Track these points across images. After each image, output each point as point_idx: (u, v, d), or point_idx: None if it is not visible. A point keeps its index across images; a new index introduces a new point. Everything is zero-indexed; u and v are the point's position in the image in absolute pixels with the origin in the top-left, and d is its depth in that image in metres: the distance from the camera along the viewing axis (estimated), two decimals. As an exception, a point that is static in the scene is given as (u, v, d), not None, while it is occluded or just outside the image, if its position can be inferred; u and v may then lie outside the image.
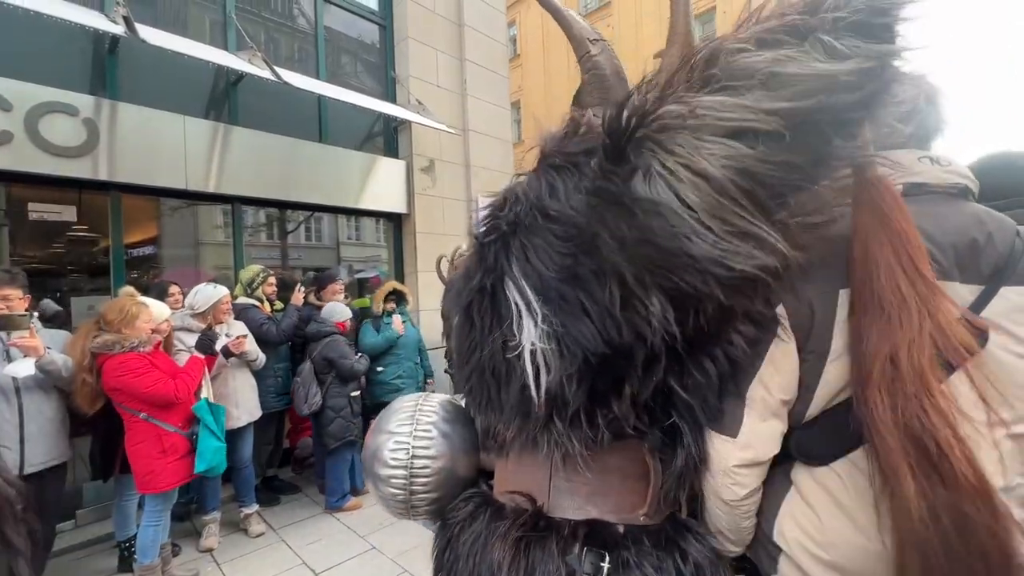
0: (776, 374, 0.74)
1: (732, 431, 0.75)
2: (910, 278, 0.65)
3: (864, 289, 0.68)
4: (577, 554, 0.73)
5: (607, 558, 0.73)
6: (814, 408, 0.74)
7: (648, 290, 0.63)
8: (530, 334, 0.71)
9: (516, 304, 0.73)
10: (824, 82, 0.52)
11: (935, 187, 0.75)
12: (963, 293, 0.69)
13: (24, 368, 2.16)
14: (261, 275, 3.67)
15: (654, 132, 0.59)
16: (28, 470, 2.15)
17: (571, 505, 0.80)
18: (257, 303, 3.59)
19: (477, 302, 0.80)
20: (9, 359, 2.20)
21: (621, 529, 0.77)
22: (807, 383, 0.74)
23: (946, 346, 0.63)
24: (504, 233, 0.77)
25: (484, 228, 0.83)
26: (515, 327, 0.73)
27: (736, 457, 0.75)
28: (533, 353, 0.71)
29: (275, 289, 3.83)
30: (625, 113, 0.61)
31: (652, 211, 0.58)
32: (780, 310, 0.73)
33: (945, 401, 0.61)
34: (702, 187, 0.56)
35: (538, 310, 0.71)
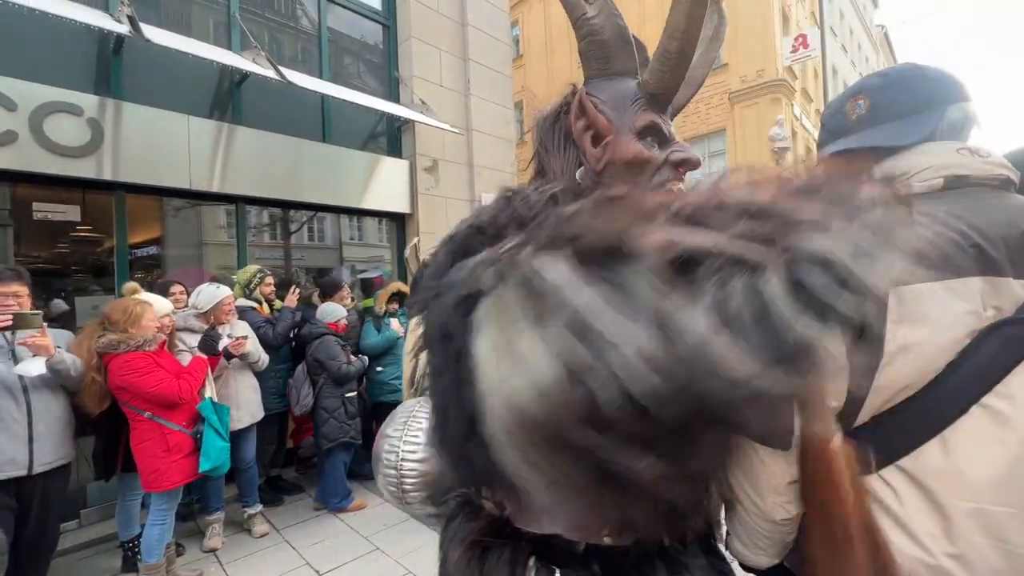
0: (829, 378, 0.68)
1: (783, 443, 0.67)
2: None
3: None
4: (529, 566, 0.70)
5: (557, 573, 0.69)
6: (864, 415, 0.70)
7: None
8: None
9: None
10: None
11: (978, 179, 0.72)
12: (1017, 290, 0.66)
13: (35, 367, 2.15)
14: (258, 276, 3.64)
15: None
16: (37, 469, 2.14)
17: (537, 516, 0.75)
18: (256, 304, 3.57)
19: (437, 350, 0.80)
20: (14, 358, 2.19)
21: (581, 547, 0.72)
22: (857, 388, 0.68)
23: None
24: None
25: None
26: None
27: (791, 473, 0.68)
28: None
29: (273, 289, 3.80)
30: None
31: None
32: None
33: None
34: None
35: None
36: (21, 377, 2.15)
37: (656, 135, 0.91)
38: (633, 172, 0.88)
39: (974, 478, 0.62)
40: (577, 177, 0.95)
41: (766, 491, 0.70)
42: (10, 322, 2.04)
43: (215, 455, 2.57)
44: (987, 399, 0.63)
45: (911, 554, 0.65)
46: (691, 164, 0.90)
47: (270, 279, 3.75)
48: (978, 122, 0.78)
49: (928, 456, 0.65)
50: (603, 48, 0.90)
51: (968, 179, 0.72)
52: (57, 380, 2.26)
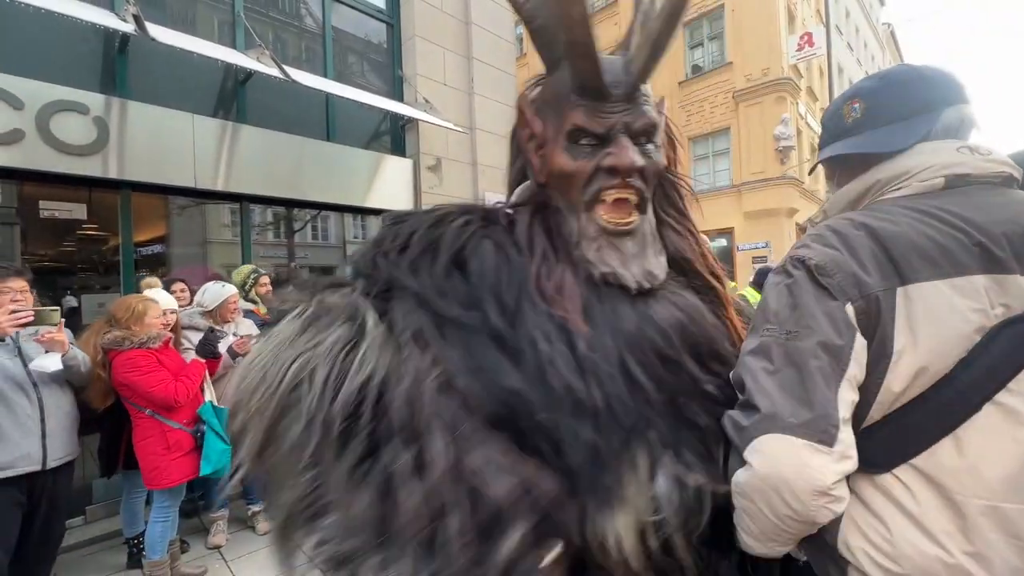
0: (858, 373, 0.67)
1: (827, 438, 0.63)
2: None
3: None
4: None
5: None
6: (875, 412, 0.69)
7: None
8: None
9: None
10: None
11: (979, 177, 0.72)
12: None
13: (52, 363, 2.16)
14: (252, 276, 3.58)
15: None
16: (50, 464, 2.15)
17: None
18: (252, 306, 3.53)
19: None
20: (21, 355, 2.20)
21: None
22: (869, 386, 0.68)
23: None
24: None
25: None
26: None
27: (834, 471, 0.64)
28: None
29: (269, 289, 3.73)
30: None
31: None
32: (848, 309, 0.67)
33: None
34: None
35: None
36: (30, 373, 2.16)
37: (588, 135, 0.76)
38: (567, 184, 0.79)
39: (988, 476, 0.62)
40: (514, 196, 0.90)
41: (804, 491, 0.65)
42: (32, 318, 2.07)
43: (216, 458, 2.56)
44: (1000, 396, 0.63)
45: (929, 552, 0.64)
46: (622, 171, 0.75)
47: (265, 279, 3.68)
48: (977, 124, 0.77)
49: (942, 454, 0.65)
50: (544, 35, 0.78)
51: (969, 177, 0.72)
52: (67, 376, 2.27)
